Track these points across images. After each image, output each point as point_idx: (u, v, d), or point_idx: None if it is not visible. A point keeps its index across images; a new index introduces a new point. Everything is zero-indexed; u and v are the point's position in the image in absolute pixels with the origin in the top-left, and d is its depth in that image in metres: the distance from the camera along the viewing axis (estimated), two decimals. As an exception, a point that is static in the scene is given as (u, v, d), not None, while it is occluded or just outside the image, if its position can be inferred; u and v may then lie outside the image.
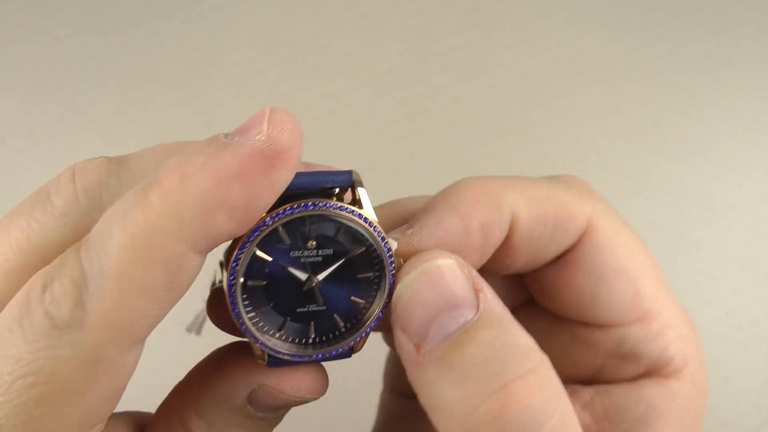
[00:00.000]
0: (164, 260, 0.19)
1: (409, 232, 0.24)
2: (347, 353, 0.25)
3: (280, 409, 0.25)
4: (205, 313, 0.26)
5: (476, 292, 0.22)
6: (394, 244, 0.24)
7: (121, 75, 0.70)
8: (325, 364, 0.25)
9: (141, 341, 0.20)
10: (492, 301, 0.22)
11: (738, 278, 0.65)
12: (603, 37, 0.72)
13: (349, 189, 0.24)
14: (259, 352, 0.23)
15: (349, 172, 0.24)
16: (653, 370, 0.26)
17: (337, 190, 0.24)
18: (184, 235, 0.19)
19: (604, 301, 0.25)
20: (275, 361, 0.24)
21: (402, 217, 0.27)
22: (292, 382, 0.24)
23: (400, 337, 0.22)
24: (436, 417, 0.21)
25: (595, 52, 0.72)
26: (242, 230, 0.20)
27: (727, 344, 0.63)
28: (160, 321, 0.20)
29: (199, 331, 0.30)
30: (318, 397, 0.25)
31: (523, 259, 0.26)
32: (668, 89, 0.71)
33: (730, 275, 0.65)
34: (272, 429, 0.26)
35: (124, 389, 0.21)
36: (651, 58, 0.72)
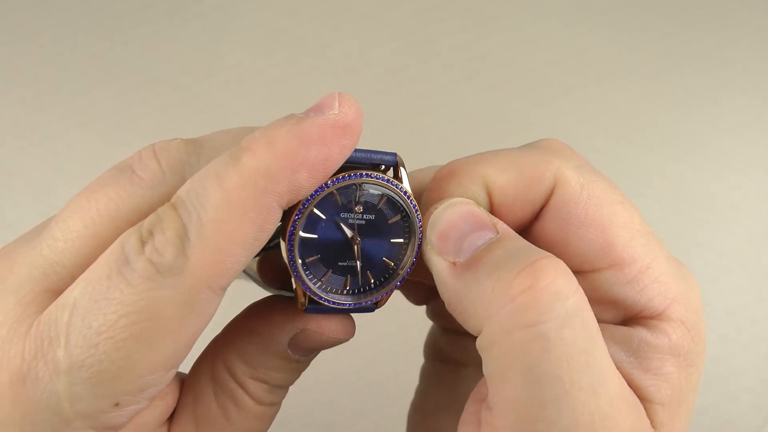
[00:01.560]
0: (256, 212, 0.22)
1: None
2: (372, 307, 0.29)
3: (315, 351, 0.29)
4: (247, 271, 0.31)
5: (494, 221, 0.26)
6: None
7: (121, 75, 0.70)
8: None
9: (227, 287, 0.24)
10: (508, 229, 0.26)
11: (738, 278, 0.65)
12: (603, 37, 0.72)
13: (392, 167, 0.29)
14: (302, 298, 0.27)
15: (394, 154, 0.29)
16: (633, 315, 0.27)
17: (383, 167, 0.28)
18: (273, 189, 0.22)
19: (574, 250, 0.27)
20: (313, 309, 0.28)
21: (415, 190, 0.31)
22: (330, 325, 0.28)
23: (437, 262, 0.26)
24: (476, 309, 0.24)
25: (596, 52, 0.72)
26: (314, 188, 0.24)
27: (727, 344, 0.63)
28: (242, 269, 0.24)
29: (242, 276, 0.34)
30: (348, 339, 0.29)
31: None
32: (668, 89, 0.71)
33: (730, 275, 0.65)
34: (302, 372, 0.30)
35: (200, 334, 0.24)
36: (651, 58, 0.72)
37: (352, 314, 0.30)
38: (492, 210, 0.28)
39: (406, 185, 0.28)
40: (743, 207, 0.67)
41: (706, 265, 0.65)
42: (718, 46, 0.72)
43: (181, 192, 0.23)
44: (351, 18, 0.73)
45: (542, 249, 0.25)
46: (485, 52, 0.72)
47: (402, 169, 0.29)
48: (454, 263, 0.25)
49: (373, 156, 0.28)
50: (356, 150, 0.27)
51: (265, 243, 0.24)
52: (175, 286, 0.22)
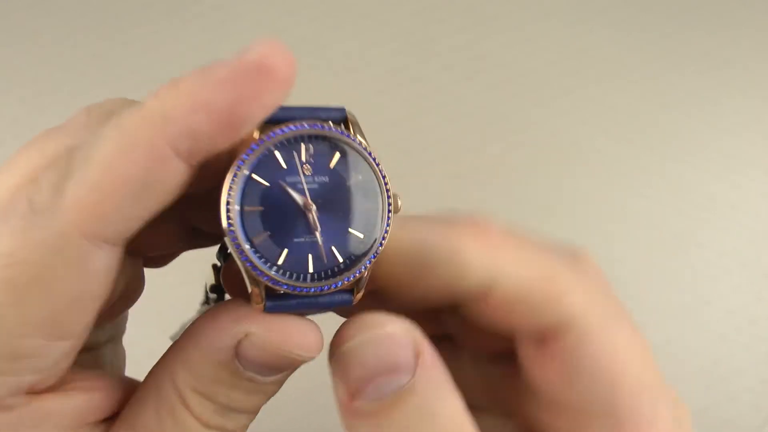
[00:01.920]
0: (144, 153, 0.20)
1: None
2: (348, 299, 0.24)
3: (269, 369, 0.24)
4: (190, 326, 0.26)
5: (417, 355, 0.22)
6: (399, 201, 0.25)
7: (121, 75, 0.70)
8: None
9: (110, 244, 0.21)
10: (431, 368, 0.22)
11: (738, 278, 0.65)
12: (603, 37, 0.72)
13: (341, 125, 0.24)
14: (256, 290, 0.23)
15: (342, 108, 0.24)
16: None
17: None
18: (167, 130, 0.20)
19: (569, 402, 0.24)
20: (274, 306, 0.23)
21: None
22: (282, 329, 0.23)
23: (337, 384, 0.23)
24: None
25: (596, 52, 0.72)
26: (224, 142, 0.21)
27: (727, 344, 0.63)
28: (130, 233, 0.21)
29: None
30: (310, 356, 0.23)
31: (496, 319, 0.25)
32: (668, 89, 0.71)
33: (730, 275, 0.65)
34: (265, 399, 0.25)
35: (94, 309, 0.21)
36: (651, 58, 0.72)
37: (328, 311, 0.25)
38: (487, 298, 0.24)
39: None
40: (743, 207, 0.67)
41: (706, 265, 0.65)
42: (718, 46, 0.72)
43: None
44: (351, 18, 0.73)
45: (526, 387, 0.23)
46: (485, 52, 0.72)
47: (354, 127, 0.24)
48: (351, 397, 0.22)
49: (315, 112, 0.24)
50: (288, 108, 0.23)
51: (160, 203, 0.21)
52: (46, 226, 0.19)
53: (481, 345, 0.29)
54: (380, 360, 0.22)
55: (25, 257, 0.19)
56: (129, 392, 0.25)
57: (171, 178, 0.21)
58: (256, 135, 0.23)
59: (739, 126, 0.70)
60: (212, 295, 0.32)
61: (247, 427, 0.25)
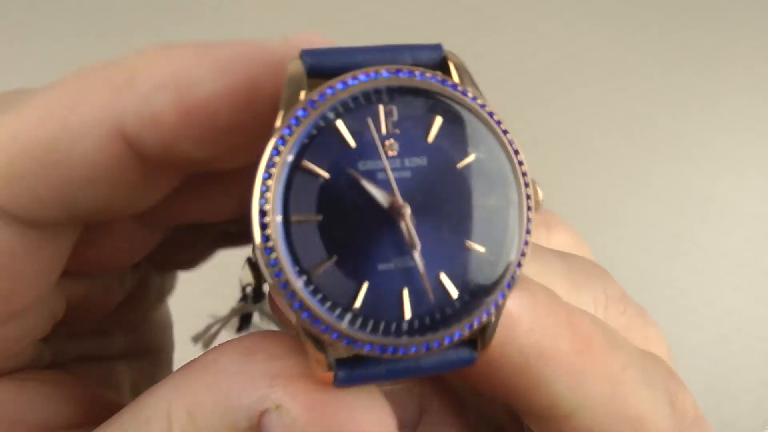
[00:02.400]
0: (65, 120, 0.16)
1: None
2: (467, 358, 0.15)
3: None
4: (219, 327, 0.20)
5: None
6: (539, 192, 0.16)
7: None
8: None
9: (22, 222, 0.17)
10: None
11: (738, 278, 0.65)
12: (603, 37, 0.72)
13: (456, 75, 0.15)
14: (319, 356, 0.14)
15: (437, 46, 0.15)
16: None
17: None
18: (113, 101, 0.16)
19: None
20: (349, 376, 0.14)
21: None
22: (334, 414, 0.14)
23: None
24: None
25: (595, 52, 0.72)
26: (192, 142, 0.15)
27: (727, 344, 0.63)
28: (53, 216, 0.17)
29: (207, 345, 0.25)
30: None
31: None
32: (668, 89, 0.71)
33: (730, 275, 0.65)
34: None
35: (19, 294, 0.18)
36: (651, 58, 0.72)
37: (424, 376, 0.17)
38: None
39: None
40: (743, 207, 0.67)
41: (706, 265, 0.65)
42: (718, 46, 0.72)
43: None
44: (351, 18, 0.73)
45: None
46: (485, 52, 0.72)
47: (462, 75, 0.15)
48: None
49: (397, 52, 0.15)
50: (360, 49, 0.15)
51: (94, 187, 0.17)
52: None
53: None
54: None
55: None
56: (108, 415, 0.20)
57: (102, 162, 0.16)
58: (302, 95, 0.14)
59: (739, 126, 0.70)
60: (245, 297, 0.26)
61: None
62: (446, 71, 0.15)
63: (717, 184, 0.67)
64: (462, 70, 0.16)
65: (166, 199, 0.21)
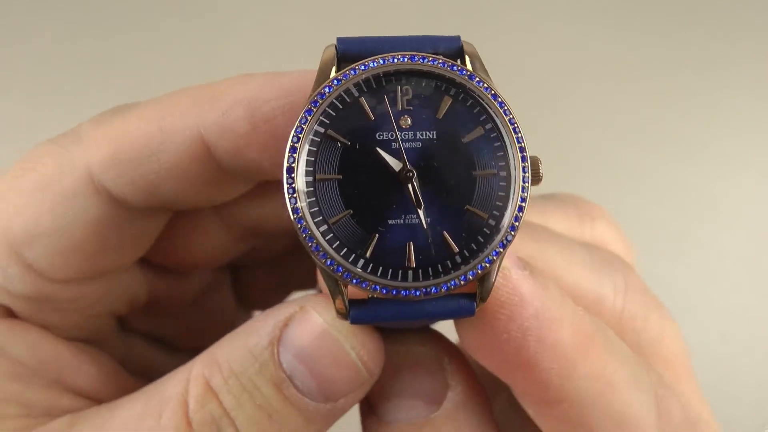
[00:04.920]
0: (160, 123, 0.23)
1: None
2: (468, 308, 0.17)
3: (324, 388, 0.20)
4: None
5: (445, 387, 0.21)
6: (540, 167, 0.18)
7: (121, 75, 0.70)
8: None
9: (114, 191, 0.23)
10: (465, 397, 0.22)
11: (738, 278, 0.65)
12: (603, 38, 0.72)
13: (469, 62, 0.18)
14: (336, 297, 0.17)
15: (457, 37, 0.18)
16: None
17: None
18: (198, 113, 0.22)
19: None
20: (360, 315, 0.17)
21: None
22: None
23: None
24: None
25: (596, 53, 0.72)
26: (256, 155, 0.19)
27: (727, 344, 0.63)
28: (141, 198, 0.23)
29: None
30: (368, 376, 0.20)
31: None
32: (668, 89, 0.71)
33: (730, 275, 0.65)
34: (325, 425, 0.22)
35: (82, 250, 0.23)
36: (651, 58, 0.72)
37: (429, 325, 0.20)
38: None
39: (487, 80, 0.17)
40: (743, 207, 0.67)
41: (706, 265, 0.65)
42: (718, 46, 0.72)
43: None
44: (351, 18, 0.73)
45: None
46: (485, 52, 0.72)
47: (474, 62, 0.18)
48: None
49: (418, 43, 0.17)
50: (385, 39, 0.17)
51: (180, 180, 0.22)
52: (72, 151, 0.23)
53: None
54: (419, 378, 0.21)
55: (48, 174, 0.23)
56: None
57: (185, 160, 0.22)
58: (333, 74, 0.17)
59: (739, 126, 0.70)
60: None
61: None
62: (462, 60, 0.18)
63: (717, 184, 0.67)
64: (475, 59, 0.19)
65: (242, 203, 0.26)
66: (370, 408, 0.22)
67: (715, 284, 0.65)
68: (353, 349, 0.19)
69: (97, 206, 0.23)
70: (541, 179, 0.18)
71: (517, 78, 0.71)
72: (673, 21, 0.73)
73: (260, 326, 0.20)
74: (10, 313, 0.25)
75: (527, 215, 0.17)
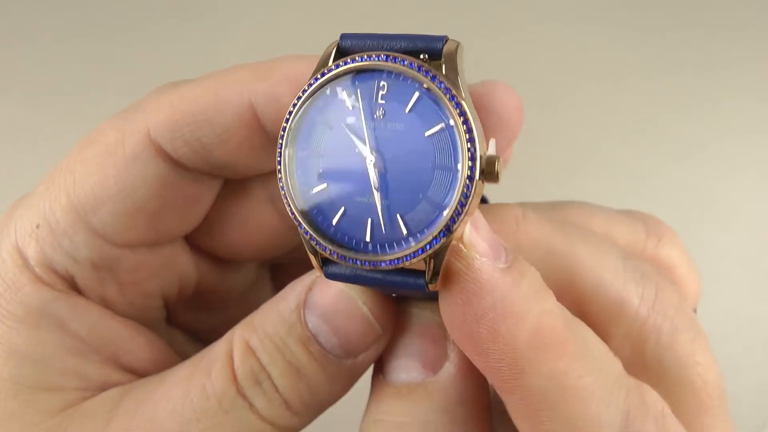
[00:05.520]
0: (218, 92, 0.26)
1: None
2: (419, 284, 0.19)
3: (343, 346, 0.24)
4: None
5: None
6: (492, 146, 0.19)
7: (121, 75, 0.70)
8: None
9: (167, 154, 0.26)
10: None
11: (738, 278, 0.65)
12: (603, 37, 0.72)
13: (438, 59, 0.19)
14: (312, 254, 0.20)
15: (443, 37, 0.19)
16: None
17: (424, 57, 0.19)
18: (253, 83, 0.25)
19: None
20: (333, 273, 0.20)
21: None
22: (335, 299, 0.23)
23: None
24: None
25: (596, 53, 0.72)
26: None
27: (727, 344, 0.63)
28: (195, 162, 0.26)
29: None
30: (376, 336, 0.24)
31: None
32: (668, 89, 0.71)
33: (730, 275, 0.65)
34: (339, 384, 0.25)
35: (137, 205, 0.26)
36: (651, 58, 0.72)
37: (400, 292, 0.22)
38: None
39: (461, 82, 0.19)
40: (743, 207, 0.67)
41: (706, 265, 0.65)
42: (718, 46, 0.72)
43: None
44: (351, 18, 0.73)
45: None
46: (485, 52, 0.72)
47: (447, 63, 0.19)
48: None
49: (404, 41, 0.19)
50: (375, 36, 0.19)
51: (226, 150, 0.25)
52: (133, 119, 0.26)
53: None
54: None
55: (109, 142, 0.26)
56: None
57: (236, 126, 0.25)
58: (331, 64, 0.20)
59: (739, 126, 0.70)
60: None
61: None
62: (452, 58, 0.19)
63: (717, 184, 0.67)
64: (449, 59, 0.19)
65: None
66: (379, 367, 0.24)
67: (714, 284, 0.65)
68: (365, 304, 0.22)
69: (157, 167, 0.26)
70: (497, 178, 0.19)
71: (517, 78, 0.71)
72: (673, 21, 0.73)
73: (289, 293, 0.24)
74: (74, 286, 0.26)
75: (564, 213, 0.21)
